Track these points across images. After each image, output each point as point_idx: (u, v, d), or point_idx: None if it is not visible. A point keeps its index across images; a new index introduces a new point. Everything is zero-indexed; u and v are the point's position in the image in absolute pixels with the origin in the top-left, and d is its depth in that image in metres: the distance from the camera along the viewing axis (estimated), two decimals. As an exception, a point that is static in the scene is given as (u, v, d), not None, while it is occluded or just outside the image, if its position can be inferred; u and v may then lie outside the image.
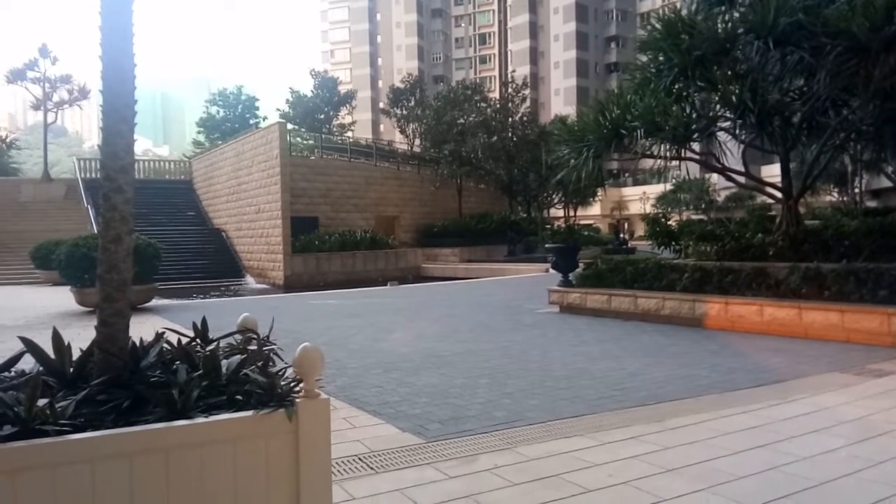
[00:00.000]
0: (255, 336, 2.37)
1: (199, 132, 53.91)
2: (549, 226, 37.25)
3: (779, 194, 10.25)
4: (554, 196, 41.27)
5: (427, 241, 34.23)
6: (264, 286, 26.70)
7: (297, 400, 1.89)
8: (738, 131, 10.39)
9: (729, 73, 9.74)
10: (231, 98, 53.25)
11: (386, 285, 20.34)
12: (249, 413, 1.83)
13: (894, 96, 8.92)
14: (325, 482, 1.94)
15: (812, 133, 10.22)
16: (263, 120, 51.29)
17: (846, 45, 8.11)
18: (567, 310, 11.31)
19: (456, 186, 37.64)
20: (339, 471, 3.72)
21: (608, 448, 4.06)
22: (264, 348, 2.24)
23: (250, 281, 28.53)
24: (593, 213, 56.55)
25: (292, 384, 1.94)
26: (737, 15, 9.70)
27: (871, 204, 26.55)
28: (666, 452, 3.93)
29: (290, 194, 27.60)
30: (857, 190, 23.62)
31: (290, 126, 38.80)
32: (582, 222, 47.02)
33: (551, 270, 16.98)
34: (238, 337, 2.41)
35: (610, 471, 3.66)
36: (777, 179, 10.59)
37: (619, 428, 4.46)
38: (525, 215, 40.21)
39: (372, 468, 3.78)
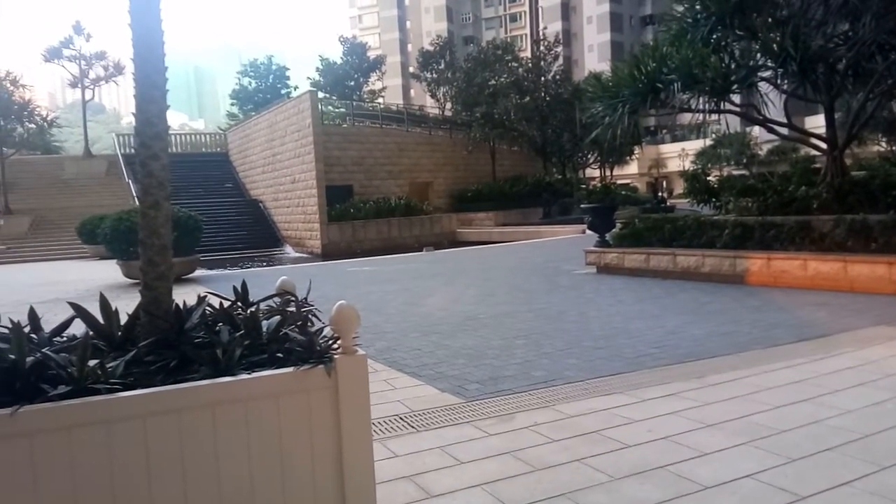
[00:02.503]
0: (294, 298, 2.41)
1: (232, 104, 54.32)
2: (584, 186, 36.76)
3: (823, 145, 9.90)
4: (589, 156, 40.59)
5: (461, 206, 34.15)
6: (302, 255, 27.11)
7: (336, 356, 1.94)
8: (779, 81, 10.03)
9: (769, 19, 9.38)
10: (262, 69, 53.35)
11: (421, 251, 20.44)
12: (290, 370, 1.88)
13: (947, 37, 8.49)
14: (365, 434, 1.99)
15: (858, 80, 9.79)
16: (295, 89, 51.31)
17: (895, -16, 7.70)
18: (604, 270, 11.22)
19: (489, 150, 37.29)
20: (381, 430, 3.80)
21: (647, 405, 4.06)
22: (302, 310, 2.29)
23: (289, 250, 28.99)
24: (630, 172, 55.48)
25: (330, 342, 1.98)
26: (778, -43, 9.29)
27: (923, 153, 25.43)
28: (706, 408, 3.91)
29: (323, 163, 27.75)
30: (907, 138, 22.64)
31: (320, 94, 38.74)
32: (619, 182, 46.20)
33: (588, 231, 16.81)
34: (277, 300, 2.46)
35: (649, 426, 3.66)
36: (821, 130, 10.22)
37: (658, 385, 4.45)
38: (560, 177, 39.71)
39: (413, 427, 3.85)
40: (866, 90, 9.66)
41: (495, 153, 37.77)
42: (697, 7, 9.90)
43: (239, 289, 2.43)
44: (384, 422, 3.97)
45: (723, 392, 4.22)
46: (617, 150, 36.08)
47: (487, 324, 7.21)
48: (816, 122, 13.16)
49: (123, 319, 2.24)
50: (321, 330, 2.08)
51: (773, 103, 10.32)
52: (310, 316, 2.24)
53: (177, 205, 15.98)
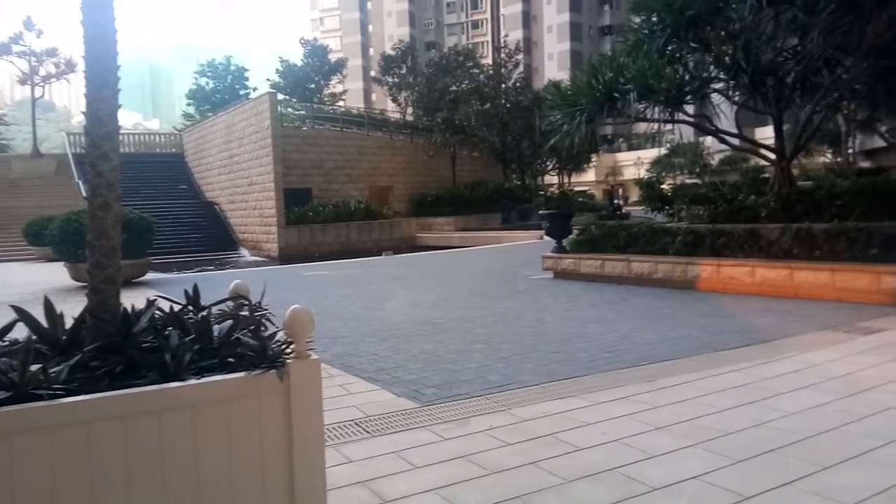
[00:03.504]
0: (247, 302, 2.38)
1: (188, 104, 53.27)
2: (542, 192, 37.18)
3: (772, 156, 10.24)
4: (548, 163, 41.11)
5: (421, 210, 34.16)
6: (259, 258, 26.71)
7: (288, 361, 1.92)
8: (731, 92, 10.35)
9: (722, 33, 9.67)
10: (220, 69, 52.48)
11: (381, 255, 20.36)
12: (241, 375, 1.86)
13: (888, 54, 8.87)
14: (317, 439, 1.98)
15: (805, 93, 10.17)
16: (254, 91, 50.59)
17: (839, 2, 8.04)
18: (561, 275, 11.37)
19: (449, 155, 37.43)
20: (335, 435, 3.78)
21: (600, 408, 4.13)
22: (256, 314, 2.26)
23: (245, 253, 28.53)
24: (588, 179, 56.37)
25: (283, 346, 1.96)
26: (730, -27, 9.58)
27: (865, 164, 26.54)
28: (656, 411, 4.00)
29: (282, 166, 27.43)
30: (850, 150, 23.61)
31: (280, 96, 38.29)
32: (576, 189, 46.87)
33: (545, 237, 17.02)
34: (230, 304, 2.43)
35: (602, 429, 3.72)
36: (770, 141, 10.58)
37: (611, 388, 4.53)
38: (519, 183, 40.08)
39: (368, 432, 3.84)
40: (813, 103, 10.04)
41: (456, 158, 37.92)
42: (654, 19, 10.14)
43: (190, 292, 2.39)
44: (339, 427, 3.94)
45: (673, 395, 4.32)
46: (575, 158, 36.68)
47: (446, 328, 7.22)
48: (766, 134, 13.59)
49: (69, 324, 2.18)
50: (274, 334, 2.06)
51: (725, 114, 10.64)
52: (263, 320, 2.22)
53: (129, 206, 15.60)
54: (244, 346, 1.94)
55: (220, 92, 50.92)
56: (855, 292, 7.41)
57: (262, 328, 2.15)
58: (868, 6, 8.02)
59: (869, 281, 7.32)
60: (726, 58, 9.44)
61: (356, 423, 4.01)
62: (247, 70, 53.93)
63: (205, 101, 50.59)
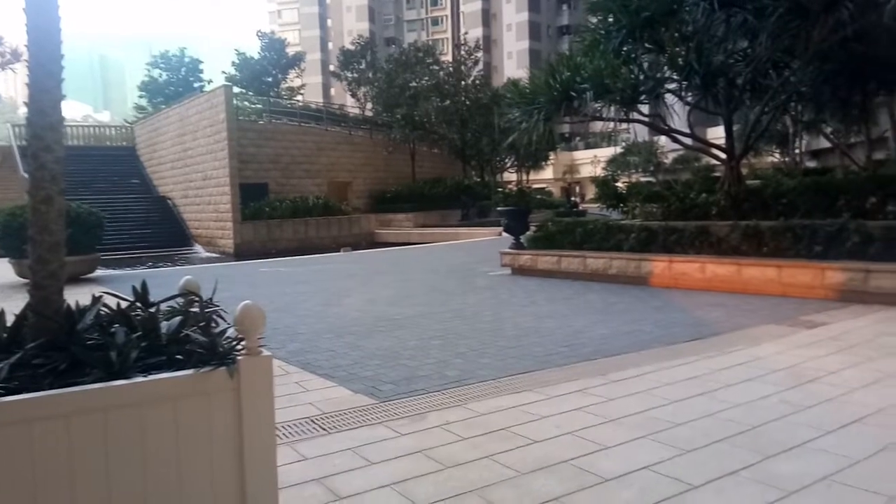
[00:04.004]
0: (198, 298, 2.34)
1: (141, 96, 51.80)
2: (501, 189, 37.43)
3: (722, 155, 10.53)
4: (507, 160, 41.40)
5: (381, 206, 34.01)
6: (214, 255, 26.21)
7: (239, 358, 1.90)
8: (684, 93, 10.59)
9: (676, 34, 9.88)
10: (174, 60, 51.18)
11: (339, 252, 20.21)
12: (189, 372, 1.83)
13: (832, 58, 9.22)
14: (268, 437, 1.96)
15: (755, 95, 10.48)
16: (208, 83, 49.52)
17: (787, 7, 8.30)
18: (519, 272, 11.48)
19: (409, 151, 37.35)
20: (291, 433, 3.75)
21: (555, 401, 4.19)
22: (206, 310, 2.22)
23: (199, 250, 27.96)
24: (546, 176, 56.97)
25: (234, 343, 1.94)
26: (683, -24, 9.78)
27: (811, 164, 27.51)
28: (609, 404, 4.08)
29: (238, 160, 26.96)
30: (797, 150, 24.44)
31: (236, 89, 37.59)
32: (535, 186, 47.35)
33: (504, 234, 17.14)
34: (180, 300, 2.38)
35: (556, 422, 3.78)
36: (721, 141, 10.87)
37: (566, 382, 4.60)
38: (479, 179, 40.27)
39: (324, 429, 3.82)
40: (762, 104, 10.35)
41: (415, 155, 37.87)
42: (610, 20, 10.30)
43: (139, 289, 2.34)
44: (294, 424, 3.91)
45: (625, 388, 4.41)
46: (533, 156, 37.01)
47: (403, 324, 7.22)
48: (717, 133, 13.96)
49: (11, 320, 2.11)
50: (225, 331, 2.03)
51: (678, 114, 10.89)
52: (214, 317, 2.18)
53: (77, 200, 15.10)
54: (193, 342, 1.91)
55: (173, 84, 49.68)
56: (800, 287, 7.68)
57: (213, 325, 2.12)
58: (814, 11, 8.29)
59: (813, 276, 7.60)
60: (679, 59, 9.67)
61: (312, 421, 3.98)
62: (201, 62, 52.73)
63: (158, 93, 49.30)
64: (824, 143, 24.17)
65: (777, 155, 29.31)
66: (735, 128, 11.33)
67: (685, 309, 7.48)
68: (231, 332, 2.00)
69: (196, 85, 49.30)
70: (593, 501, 2.79)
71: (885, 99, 12.25)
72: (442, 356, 5.61)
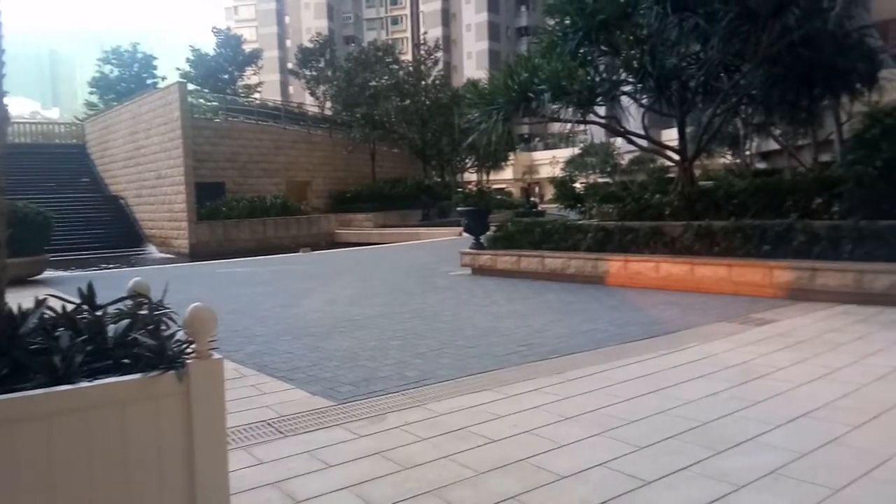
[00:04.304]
0: (147, 301, 2.28)
1: (91, 93, 50.24)
2: (461, 189, 37.57)
3: (676, 156, 10.76)
4: (467, 160, 41.54)
5: (340, 206, 33.77)
6: (168, 255, 25.64)
7: (188, 361, 1.86)
8: (638, 95, 10.78)
9: (630, 37, 10.05)
10: (126, 56, 49.79)
11: (298, 252, 19.98)
12: (137, 376, 1.78)
13: (780, 62, 9.51)
14: (219, 441, 1.92)
15: (707, 97, 10.75)
16: (162, 80, 48.34)
17: (737, 12, 8.53)
18: (479, 271, 11.53)
19: (369, 151, 37.17)
20: (246, 437, 3.69)
21: (513, 400, 4.22)
22: (156, 313, 2.17)
23: (152, 250, 27.32)
24: (506, 177, 57.35)
25: (183, 346, 1.89)
26: (638, -20, 9.96)
27: (761, 165, 28.34)
28: (565, 402, 4.14)
29: (193, 159, 26.43)
30: (748, 152, 25.16)
31: (191, 86, 36.80)
32: (495, 186, 47.62)
33: (464, 234, 17.20)
34: (129, 303, 2.32)
35: (514, 421, 3.81)
36: (675, 142, 11.10)
37: (524, 381, 4.64)
38: (439, 179, 40.31)
39: (281, 432, 3.77)
40: (714, 107, 10.62)
41: (375, 154, 37.71)
42: (566, 22, 10.43)
43: (85, 291, 2.27)
44: (251, 428, 3.85)
45: (581, 386, 4.47)
46: (493, 156, 37.24)
47: (363, 325, 7.18)
48: (671, 135, 14.27)
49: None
50: (174, 334, 1.98)
51: (633, 116, 11.10)
52: (165, 319, 2.13)
53: (25, 199, 14.59)
54: (141, 346, 1.86)
55: (125, 80, 48.34)
56: (750, 286, 7.91)
57: (164, 327, 2.07)
58: (763, 16, 8.54)
59: (762, 275, 7.83)
60: (634, 62, 9.85)
61: (269, 424, 3.93)
62: (155, 58, 51.43)
63: (109, 89, 47.90)
64: (774, 145, 24.93)
65: (729, 156, 30.10)
66: (688, 130, 11.59)
67: (640, 308, 7.62)
68: (181, 334, 1.95)
69: (149, 81, 48.08)
70: (549, 499, 2.82)
71: (830, 103, 12.69)
72: (402, 357, 5.59)
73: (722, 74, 10.13)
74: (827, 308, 6.92)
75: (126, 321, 1.98)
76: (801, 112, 10.87)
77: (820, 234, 7.70)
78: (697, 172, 12.35)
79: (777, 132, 20.10)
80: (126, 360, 1.83)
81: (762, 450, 3.26)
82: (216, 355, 1.92)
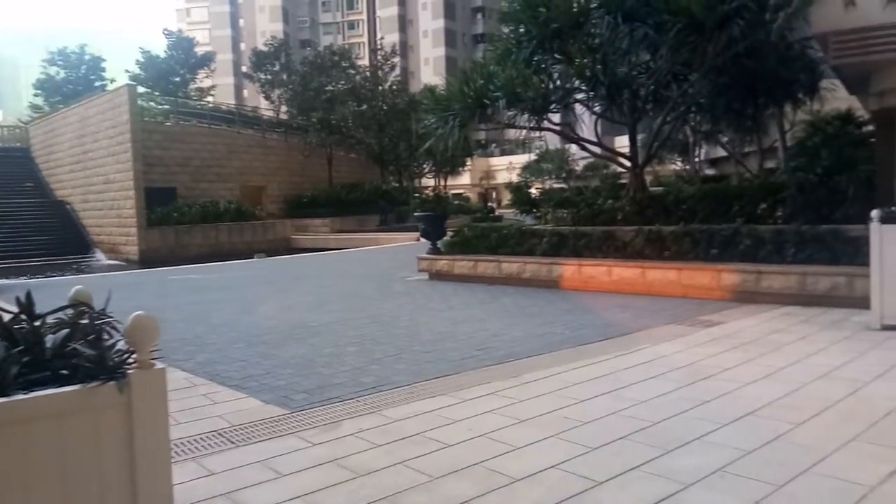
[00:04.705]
0: (89, 310, 2.21)
1: (36, 95, 48.60)
2: (417, 195, 37.59)
3: (627, 163, 10.99)
4: (425, 165, 41.56)
5: (297, 211, 33.40)
6: (117, 262, 24.94)
7: (129, 371, 1.81)
8: (591, 103, 10.97)
9: (583, 46, 10.21)
10: (73, 58, 48.35)
11: (253, 258, 19.67)
12: (76, 387, 1.72)
13: (726, 72, 9.81)
14: (163, 453, 1.87)
15: (657, 105, 11.01)
16: (111, 82, 47.07)
17: (685, 23, 8.76)
18: (436, 276, 11.54)
19: (326, 155, 36.88)
20: (196, 448, 3.61)
21: (468, 404, 4.24)
22: (98, 322, 2.10)
23: (101, 257, 26.54)
24: (463, 182, 57.53)
25: (124, 355, 1.84)
26: (590, -11, 10.14)
27: (710, 172, 29.15)
28: (520, 405, 4.17)
29: (143, 163, 25.83)
30: (697, 159, 25.83)
31: (141, 89, 35.99)
32: (453, 191, 47.77)
33: (422, 239, 17.20)
34: (70, 312, 2.24)
35: (469, 425, 3.82)
36: (627, 149, 11.34)
37: (479, 385, 4.66)
38: (397, 185, 40.23)
39: (233, 442, 3.70)
40: (663, 115, 10.88)
41: (332, 159, 37.43)
42: (521, 30, 10.54)
43: (23, 299, 2.18)
44: (201, 439, 3.76)
45: (536, 389, 4.52)
46: (450, 161, 37.33)
47: (319, 332, 7.10)
48: (624, 142, 14.58)
49: None
50: (115, 344, 1.93)
51: (586, 123, 11.29)
52: (106, 328, 2.07)
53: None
54: (80, 356, 1.80)
55: (72, 82, 46.96)
56: (699, 289, 8.12)
57: (107, 337, 2.01)
58: (709, 27, 8.80)
59: (710, 278, 8.05)
60: (587, 70, 10.02)
61: (220, 434, 3.85)
62: (103, 60, 50.09)
63: (55, 91, 46.43)
64: (722, 153, 25.65)
65: (679, 163, 30.84)
66: (640, 137, 11.84)
67: (593, 311, 7.74)
68: (122, 344, 1.90)
69: (97, 84, 46.80)
70: (503, 502, 2.83)
71: (774, 111, 13.13)
72: (357, 363, 5.55)
73: (671, 83, 10.38)
74: (772, 309, 7.15)
75: (65, 331, 1.92)
76: (747, 120, 11.23)
77: (765, 238, 7.95)
78: (649, 178, 12.64)
79: (724, 139, 20.69)
80: (64, 372, 1.77)
81: (710, 448, 3.34)
82: (159, 365, 1.87)
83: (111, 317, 2.15)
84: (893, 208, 6.03)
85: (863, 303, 6.23)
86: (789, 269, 7.46)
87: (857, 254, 6.85)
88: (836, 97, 11.58)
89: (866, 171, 8.13)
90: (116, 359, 1.81)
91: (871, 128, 9.86)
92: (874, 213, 5.89)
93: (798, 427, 3.58)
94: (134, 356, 1.83)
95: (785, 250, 7.74)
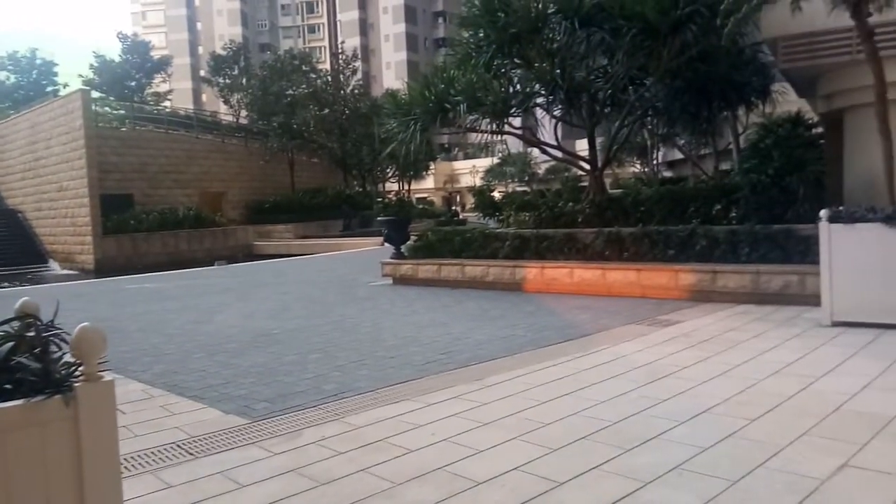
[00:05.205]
0: (36, 322, 2.15)
1: (-17, 100, 47.07)
2: (381, 199, 37.48)
3: (587, 166, 11.13)
4: (388, 170, 41.45)
5: (258, 217, 32.98)
6: (72, 272, 24.26)
7: (76, 384, 1.76)
8: (551, 107, 11.09)
9: (542, 51, 10.31)
10: (24, 62, 47.02)
11: (213, 265, 19.34)
12: (19, 402, 1.67)
13: (681, 76, 10.02)
14: (112, 469, 1.82)
15: (615, 109, 11.18)
16: (64, 87, 45.93)
17: (640, 28, 8.93)
18: (400, 281, 11.51)
19: (287, 160, 36.51)
20: (154, 460, 3.53)
21: (432, 409, 4.24)
22: (46, 334, 2.04)
23: (55, 267, 25.79)
24: (427, 186, 57.66)
25: (71, 368, 1.79)
26: (547, -5, 10.26)
27: (668, 174, 29.75)
28: (483, 408, 4.19)
29: (98, 170, 25.20)
30: (655, 161, 26.34)
31: (95, 94, 35.13)
32: (417, 195, 47.77)
33: (386, 244, 17.14)
34: (17, 324, 2.18)
35: (433, 430, 3.82)
36: (587, 152, 11.49)
37: (442, 389, 4.67)
38: (360, 189, 40.04)
39: (191, 454, 3.63)
40: (621, 118, 11.06)
41: (294, 164, 37.08)
42: (480, 35, 10.60)
43: (-35, 313, 2.11)
44: (159, 451, 3.68)
45: (499, 392, 4.54)
46: (413, 165, 37.31)
47: (281, 339, 7.02)
48: (584, 146, 14.80)
49: None
50: (62, 356, 1.87)
51: (546, 127, 11.40)
52: (54, 341, 2.01)
53: None
54: (25, 370, 1.75)
55: (23, 87, 45.68)
56: (657, 289, 8.27)
57: (53, 350, 1.95)
58: (663, 32, 8.99)
59: (668, 278, 8.21)
60: (546, 75, 10.12)
61: (178, 446, 3.77)
62: (56, 64, 48.85)
63: (5, 97, 45.08)
64: (679, 155, 26.22)
65: (638, 165, 31.42)
66: (599, 140, 12.02)
67: (556, 312, 7.82)
68: (69, 357, 1.85)
69: (49, 89, 45.61)
70: (466, 506, 2.84)
71: (728, 114, 13.46)
72: (320, 370, 5.51)
73: (628, 87, 10.56)
74: (727, 308, 7.32)
75: (10, 344, 1.86)
76: (702, 123, 11.48)
77: (720, 238, 8.14)
78: (608, 181, 12.85)
79: (681, 142, 21.15)
80: (8, 386, 1.72)
81: (668, 446, 3.40)
82: (107, 377, 1.83)
83: (59, 328, 2.09)
84: (841, 208, 6.24)
85: (814, 300, 6.43)
86: (744, 269, 7.65)
87: (807, 252, 7.06)
88: (788, 100, 11.94)
89: (816, 172, 8.38)
90: (63, 372, 1.76)
91: (820, 130, 10.17)
92: (823, 213, 6.09)
93: (752, 423, 3.67)
94: (80, 369, 1.78)
95: (739, 250, 7.94)
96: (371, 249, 21.93)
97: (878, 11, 6.26)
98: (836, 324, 6.02)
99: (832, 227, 6.00)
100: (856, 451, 3.20)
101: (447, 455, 3.41)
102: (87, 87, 33.03)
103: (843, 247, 5.94)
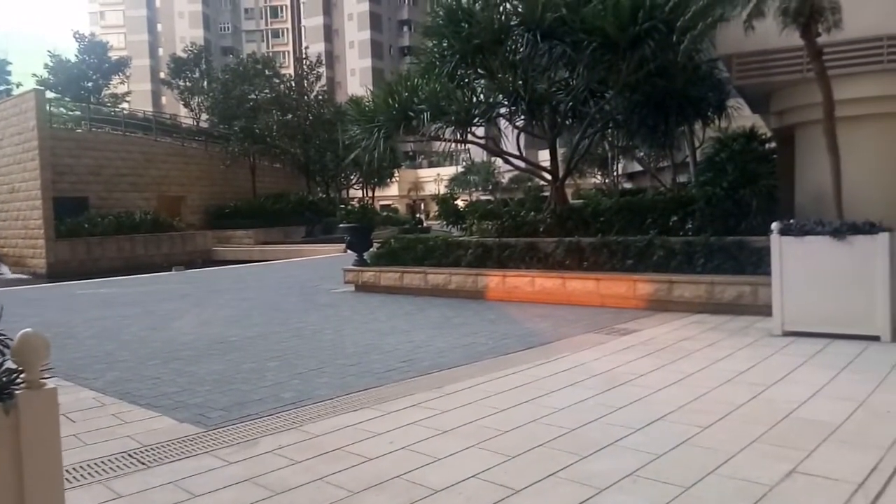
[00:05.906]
0: (-22, 327, 2.07)
1: (-70, 98, 45.31)
2: (344, 206, 37.29)
3: (548, 176, 11.26)
4: (352, 176, 41.25)
5: (218, 222, 32.45)
6: (23, 276, 23.49)
7: (17, 392, 1.71)
8: (513, 117, 11.20)
9: (505, 62, 10.41)
10: (-27, 59, 45.44)
11: (171, 271, 18.94)
12: (-43, 411, 1.61)
13: (639, 90, 10.23)
14: (55, 479, 1.77)
15: (576, 121, 11.35)
16: (17, 86, 44.52)
17: (600, 42, 9.09)
18: (362, 288, 11.45)
19: (249, 165, 36.04)
20: (103, 470, 3.44)
21: (391, 417, 4.22)
22: (-11, 340, 1.97)
23: (5, 271, 24.99)
24: (392, 193, 57.56)
25: (12, 375, 1.74)
26: (510, 7, 10.38)
27: (628, 185, 30.32)
28: (443, 416, 4.19)
29: (51, 171, 24.50)
30: (615, 173, 26.83)
31: (50, 94, 34.17)
32: (381, 203, 47.63)
33: (348, 251, 17.03)
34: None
35: (391, 438, 3.81)
36: (549, 163, 11.63)
37: (402, 397, 4.65)
38: (324, 195, 39.74)
39: (143, 463, 3.54)
40: (582, 130, 11.22)
41: (256, 169, 36.61)
42: (444, 44, 10.65)
43: None
44: (109, 460, 3.59)
45: (459, 399, 4.55)
46: (377, 172, 37.26)
47: (239, 346, 6.91)
48: (546, 156, 15.00)
49: None
50: (3, 363, 1.81)
51: (508, 137, 11.51)
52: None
53: None
54: (-36, 378, 1.69)
55: (-28, 85, 44.07)
56: (616, 298, 8.39)
57: (-3, 356, 1.88)
58: (623, 47, 9.17)
59: (626, 288, 8.34)
60: (509, 86, 10.22)
61: (130, 455, 3.68)
62: (9, 63, 47.30)
63: (-47, 95, 43.42)
64: (638, 167, 26.77)
65: (599, 176, 31.96)
66: (561, 151, 12.18)
67: (517, 321, 7.88)
68: (10, 364, 1.79)
69: (2, 88, 44.11)
70: (422, 514, 2.83)
71: (685, 128, 13.79)
72: (279, 378, 5.43)
73: (589, 100, 10.73)
74: (683, 317, 7.47)
75: (-51, 351, 1.79)
76: (660, 136, 11.71)
77: (676, 249, 8.32)
78: (570, 191, 13.03)
79: (640, 154, 21.60)
80: (-54, 395, 1.66)
81: (623, 453, 3.45)
82: (50, 384, 1.78)
83: (3, 335, 2.03)
84: (792, 221, 6.44)
85: (766, 310, 6.61)
86: (699, 279, 7.83)
87: (760, 263, 7.26)
88: (742, 115, 12.29)
89: (768, 186, 8.62)
90: (3, 379, 1.71)
91: (773, 145, 10.48)
92: (774, 226, 6.27)
93: (705, 430, 3.75)
94: (22, 376, 1.73)
95: (694, 261, 8.11)
96: (333, 256, 21.77)
97: (826, 32, 6.49)
98: (786, 333, 6.19)
99: (783, 240, 6.18)
100: (804, 457, 3.29)
101: (405, 463, 3.40)
102: (42, 87, 32.14)
103: (794, 258, 6.13)
